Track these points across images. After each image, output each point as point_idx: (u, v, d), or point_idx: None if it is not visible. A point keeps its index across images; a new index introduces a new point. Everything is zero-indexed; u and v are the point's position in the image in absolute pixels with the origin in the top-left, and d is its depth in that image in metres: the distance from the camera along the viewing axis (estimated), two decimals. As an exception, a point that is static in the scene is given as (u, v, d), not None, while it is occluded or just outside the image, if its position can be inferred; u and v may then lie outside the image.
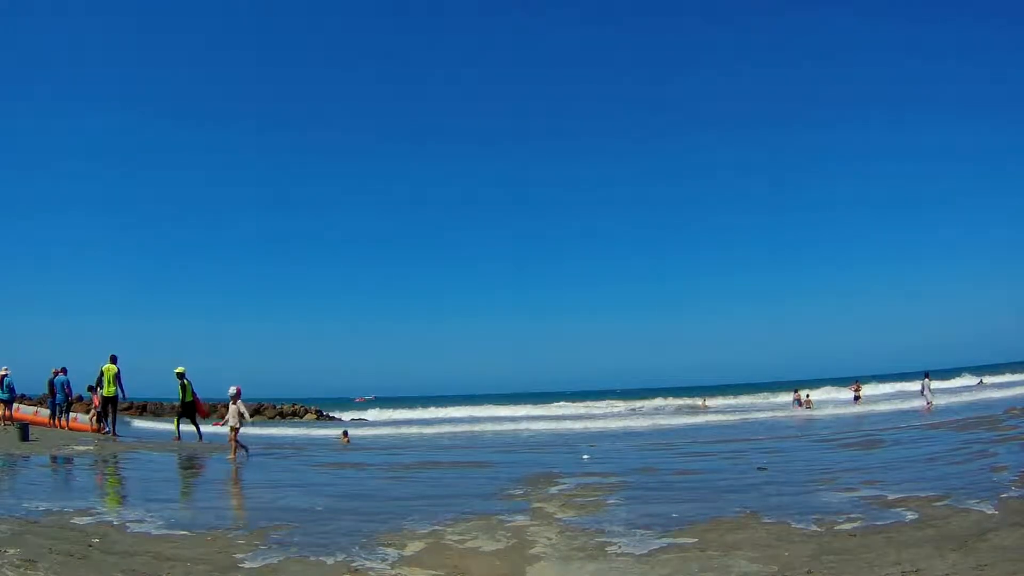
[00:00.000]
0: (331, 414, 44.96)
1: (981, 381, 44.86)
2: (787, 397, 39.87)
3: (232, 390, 14.33)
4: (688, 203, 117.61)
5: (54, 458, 13.74)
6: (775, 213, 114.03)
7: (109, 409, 19.27)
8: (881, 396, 41.03)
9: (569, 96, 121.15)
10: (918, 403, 29.18)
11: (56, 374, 20.70)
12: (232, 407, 14.29)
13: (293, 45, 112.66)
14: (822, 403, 36.87)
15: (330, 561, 5.90)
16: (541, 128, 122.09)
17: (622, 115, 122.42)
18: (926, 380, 29.10)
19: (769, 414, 31.89)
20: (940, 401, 29.33)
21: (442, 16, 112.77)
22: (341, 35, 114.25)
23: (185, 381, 18.52)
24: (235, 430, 14.30)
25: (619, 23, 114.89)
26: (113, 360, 18.83)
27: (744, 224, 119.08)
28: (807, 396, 36.90)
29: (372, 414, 48.19)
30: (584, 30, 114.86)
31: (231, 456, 14.20)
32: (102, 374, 18.70)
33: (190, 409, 18.86)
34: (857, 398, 35.14)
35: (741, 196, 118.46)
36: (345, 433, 24.06)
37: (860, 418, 25.20)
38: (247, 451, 14.85)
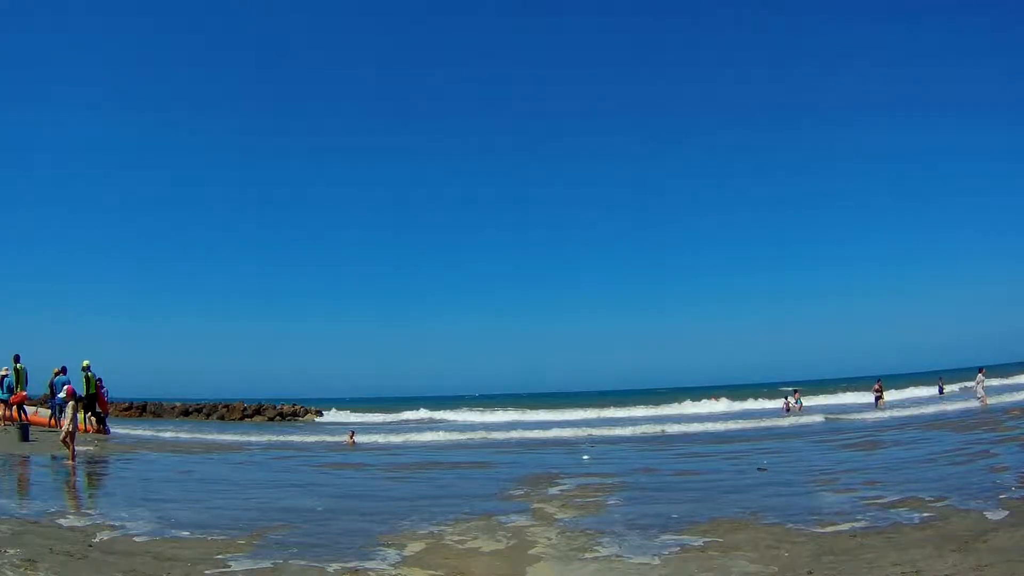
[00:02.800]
0: (330, 415, 45.00)
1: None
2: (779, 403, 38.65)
3: (62, 392, 13.59)
4: (689, 203, 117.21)
5: (54, 458, 13.72)
6: (775, 212, 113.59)
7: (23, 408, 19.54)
8: (907, 400, 37.55)
9: (567, 96, 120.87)
10: (950, 404, 27.14)
11: (57, 374, 20.75)
12: (67, 410, 13.59)
13: (287, 44, 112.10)
14: (830, 408, 34.27)
15: (330, 562, 5.90)
16: (540, 127, 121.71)
17: (623, 115, 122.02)
18: (980, 375, 26.67)
19: (771, 421, 31.03)
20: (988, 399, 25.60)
21: (436, 16, 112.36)
22: (337, 35, 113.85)
23: (89, 375, 18.86)
24: (71, 432, 13.57)
25: (620, 21, 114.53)
26: (17, 359, 19.17)
27: (744, 223, 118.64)
28: (789, 396, 35.86)
29: (370, 416, 48.22)
30: (584, 27, 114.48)
31: (69, 461, 13.31)
32: (18, 374, 18.86)
33: (91, 402, 19.30)
34: (879, 398, 31.52)
35: (741, 196, 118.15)
36: (352, 433, 23.97)
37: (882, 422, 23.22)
38: (74, 456, 13.97)
